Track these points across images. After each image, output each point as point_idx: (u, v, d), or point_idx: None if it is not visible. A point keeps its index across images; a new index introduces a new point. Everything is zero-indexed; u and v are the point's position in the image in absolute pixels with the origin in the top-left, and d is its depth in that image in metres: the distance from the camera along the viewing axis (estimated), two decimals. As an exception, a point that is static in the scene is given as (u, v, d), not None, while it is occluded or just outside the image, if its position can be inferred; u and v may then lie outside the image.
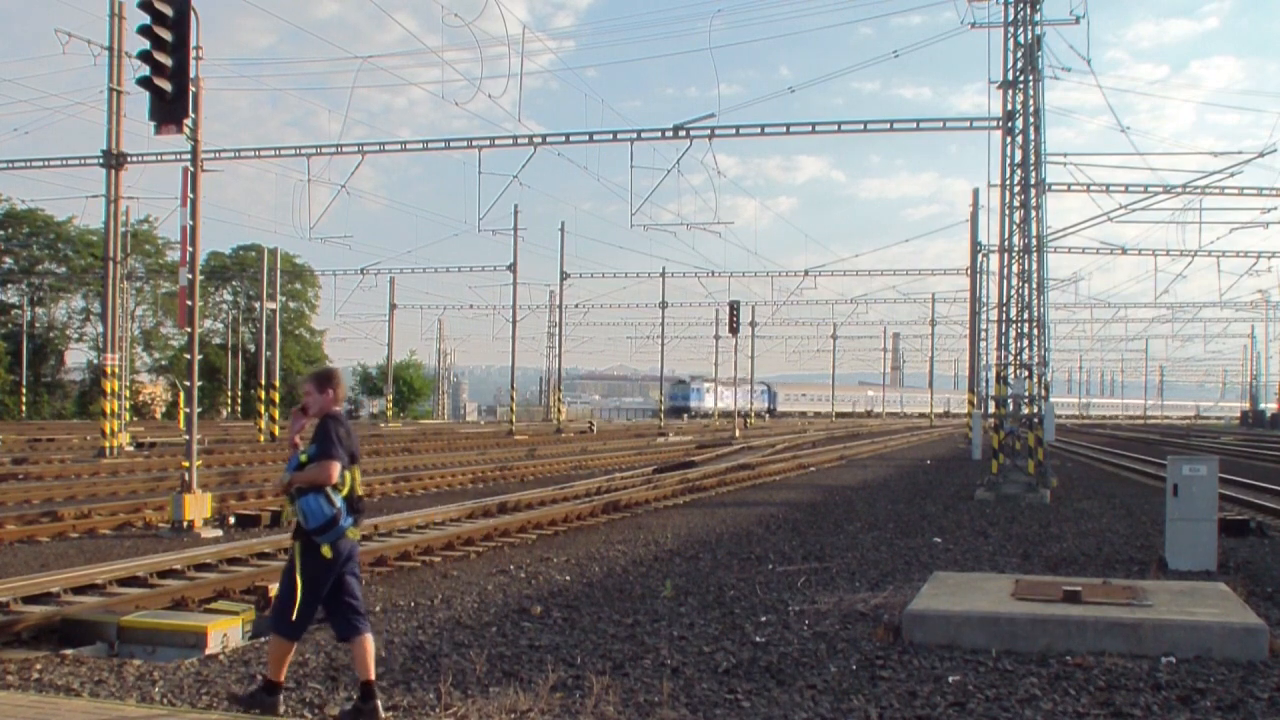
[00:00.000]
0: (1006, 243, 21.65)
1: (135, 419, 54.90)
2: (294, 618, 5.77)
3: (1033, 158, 21.57)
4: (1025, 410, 21.71)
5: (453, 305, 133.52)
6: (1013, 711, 6.06)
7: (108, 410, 28.63)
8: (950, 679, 6.68)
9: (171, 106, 13.05)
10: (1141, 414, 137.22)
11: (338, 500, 5.73)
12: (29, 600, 8.93)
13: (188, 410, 15.45)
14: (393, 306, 65.89)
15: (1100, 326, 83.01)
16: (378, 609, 9.18)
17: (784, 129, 27.34)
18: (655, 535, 14.36)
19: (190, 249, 15.17)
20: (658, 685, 6.49)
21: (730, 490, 22.18)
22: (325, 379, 6.06)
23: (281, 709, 5.91)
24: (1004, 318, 22.02)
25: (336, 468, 5.73)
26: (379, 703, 5.81)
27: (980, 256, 40.41)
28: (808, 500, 20.03)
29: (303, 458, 5.86)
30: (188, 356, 15.74)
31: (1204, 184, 31.57)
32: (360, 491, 5.94)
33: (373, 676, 5.84)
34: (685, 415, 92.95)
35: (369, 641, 5.88)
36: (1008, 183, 21.56)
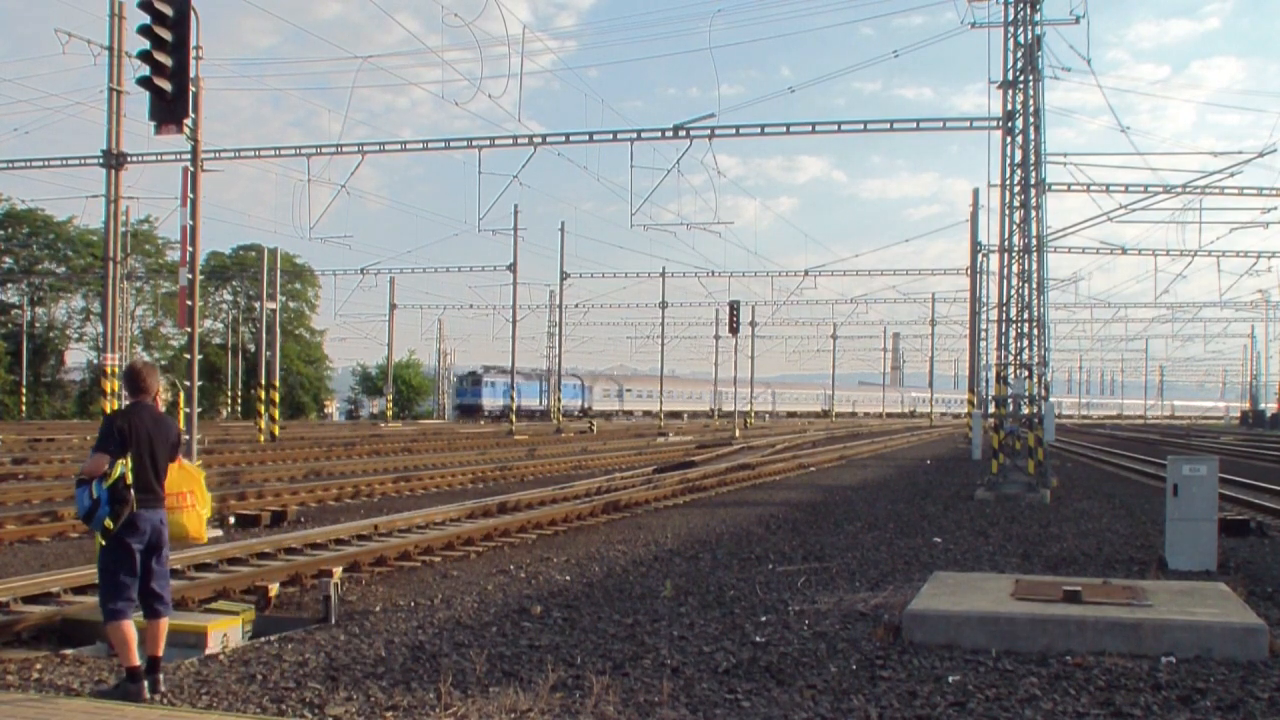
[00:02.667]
0: (1006, 243, 21.64)
1: (135, 419, 54.73)
2: (109, 603, 6.27)
3: (1033, 158, 21.57)
4: (1025, 410, 21.72)
5: (453, 305, 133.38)
6: (1013, 711, 6.06)
7: (107, 410, 28.61)
8: (950, 679, 6.68)
9: (171, 106, 13.04)
10: (1141, 414, 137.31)
11: (97, 490, 6.15)
12: (29, 600, 8.94)
13: (188, 410, 15.45)
14: (393, 306, 65.94)
15: (1100, 326, 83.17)
16: (378, 609, 9.19)
17: (784, 129, 27.31)
18: (655, 535, 14.36)
19: (190, 249, 15.18)
20: (658, 685, 6.49)
21: (730, 490, 22.17)
22: (123, 375, 6.71)
23: (149, 695, 6.19)
24: (1004, 318, 22.01)
25: (103, 460, 6.16)
26: (161, 676, 6.34)
27: (980, 256, 40.43)
28: (808, 500, 20.03)
29: None
30: (188, 356, 15.75)
31: (1204, 184, 31.58)
32: (130, 480, 6.23)
33: (160, 652, 6.38)
34: (479, 417, 75.87)
35: (164, 624, 6.44)
36: (1008, 183, 21.56)
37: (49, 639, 8.16)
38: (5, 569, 11.27)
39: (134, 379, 6.55)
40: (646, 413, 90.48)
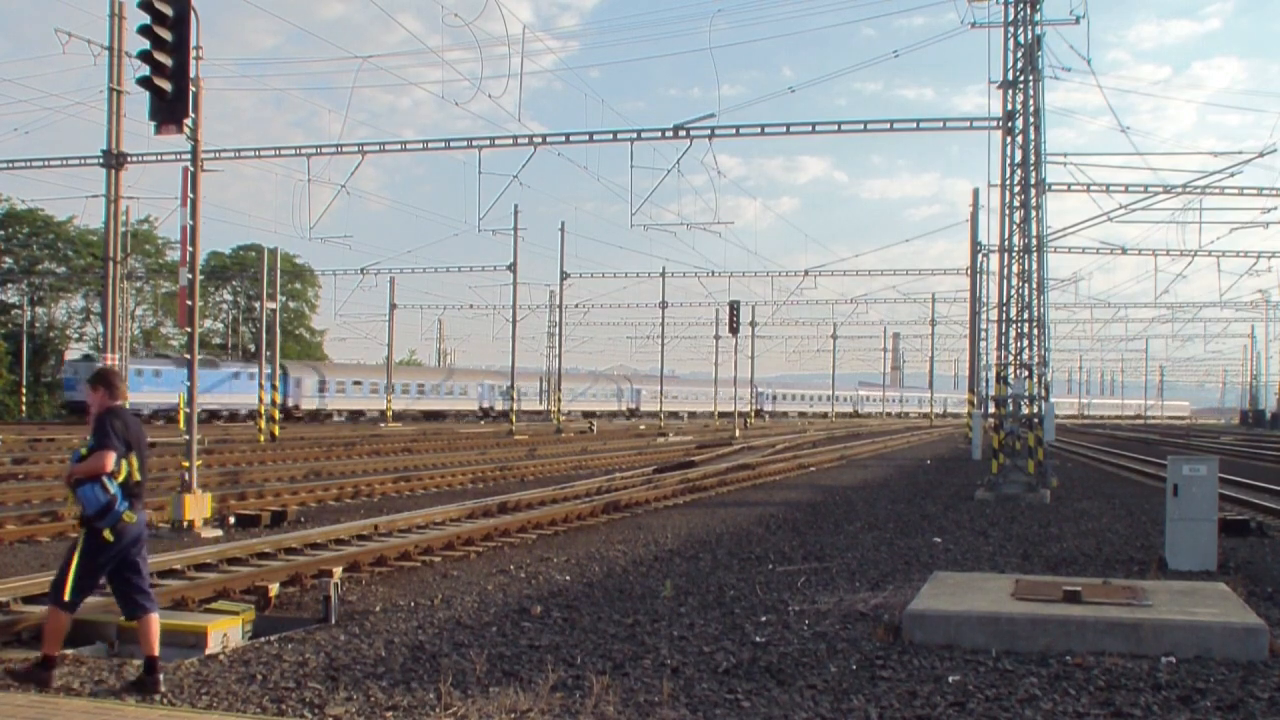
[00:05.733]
0: (1006, 243, 21.64)
1: (135, 419, 54.67)
2: (67, 594, 6.35)
3: (1033, 158, 21.57)
4: (1025, 410, 21.71)
5: (453, 305, 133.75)
6: (1013, 711, 6.06)
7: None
8: (950, 679, 6.68)
9: (171, 106, 13.03)
10: (1141, 414, 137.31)
11: (112, 487, 6.28)
12: (29, 600, 8.93)
13: (188, 410, 15.45)
14: (393, 306, 65.84)
15: (1100, 326, 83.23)
16: (378, 609, 9.18)
17: (784, 129, 27.28)
18: (655, 535, 14.36)
19: (190, 249, 15.17)
20: (658, 685, 6.49)
21: (730, 490, 22.17)
22: (95, 379, 6.68)
23: (57, 683, 6.32)
24: (1004, 318, 22.01)
25: (111, 457, 6.27)
26: (160, 676, 6.38)
27: (980, 256, 40.45)
28: (808, 500, 20.02)
29: (83, 451, 6.39)
30: (187, 356, 15.74)
31: (1204, 184, 31.58)
32: (138, 478, 6.44)
33: (156, 652, 6.45)
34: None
35: (154, 620, 6.55)
36: (1008, 183, 21.56)
37: (49, 639, 8.14)
38: (5, 569, 11.27)
39: (114, 382, 6.67)
40: (381, 412, 70.27)
